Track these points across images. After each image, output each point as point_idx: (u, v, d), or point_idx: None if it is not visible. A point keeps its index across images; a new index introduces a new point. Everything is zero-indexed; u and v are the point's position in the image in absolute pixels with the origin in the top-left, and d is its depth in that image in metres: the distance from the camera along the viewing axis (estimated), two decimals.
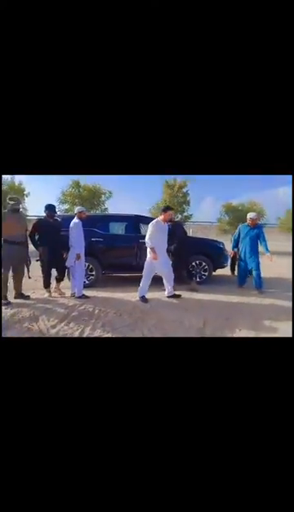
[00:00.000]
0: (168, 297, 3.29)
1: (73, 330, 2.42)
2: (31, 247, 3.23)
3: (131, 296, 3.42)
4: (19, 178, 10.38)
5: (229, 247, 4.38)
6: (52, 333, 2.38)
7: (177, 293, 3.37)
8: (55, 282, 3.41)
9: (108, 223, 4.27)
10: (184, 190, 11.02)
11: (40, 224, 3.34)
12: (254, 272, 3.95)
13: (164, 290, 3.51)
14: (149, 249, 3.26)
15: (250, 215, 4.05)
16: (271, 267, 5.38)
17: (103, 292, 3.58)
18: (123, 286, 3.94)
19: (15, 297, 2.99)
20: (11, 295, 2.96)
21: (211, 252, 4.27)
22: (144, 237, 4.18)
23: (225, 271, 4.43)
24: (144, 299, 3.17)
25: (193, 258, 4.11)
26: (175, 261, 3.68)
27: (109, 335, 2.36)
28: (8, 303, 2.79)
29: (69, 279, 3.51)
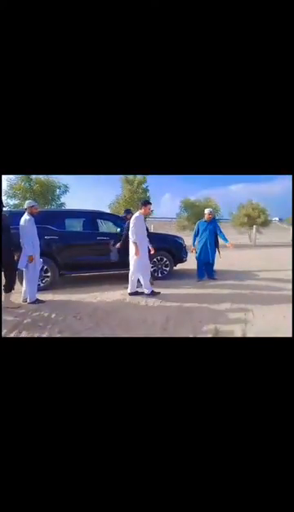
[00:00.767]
0: (147, 295, 3.23)
1: None
2: None
3: (93, 296, 3.27)
4: None
5: (188, 242, 4.55)
6: None
7: (156, 290, 3.32)
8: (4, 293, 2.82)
9: (64, 220, 3.98)
10: (144, 186, 11.03)
11: None
12: (210, 263, 4.22)
13: (125, 288, 3.46)
14: (131, 244, 3.20)
15: (206, 210, 4.28)
16: (223, 259, 5.82)
17: (61, 294, 3.34)
18: (84, 287, 3.74)
19: None
20: None
21: (172, 247, 4.37)
22: (102, 234, 4.07)
23: (184, 265, 4.61)
24: (137, 293, 3.25)
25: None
26: None
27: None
28: None
29: (21, 283, 3.16)
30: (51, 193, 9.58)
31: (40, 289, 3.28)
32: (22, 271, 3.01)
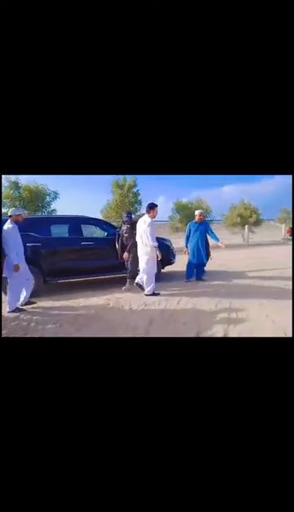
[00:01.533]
0: (147, 295, 3.37)
1: None
2: None
3: (76, 302, 3.23)
4: None
5: (181, 244, 4.58)
6: None
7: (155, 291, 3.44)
8: None
9: (49, 226, 3.95)
10: (135, 190, 11.06)
11: None
12: (200, 264, 4.22)
13: (110, 293, 3.44)
14: (152, 249, 3.40)
15: (197, 212, 4.31)
16: (215, 259, 5.83)
17: (44, 302, 3.29)
18: (69, 293, 3.70)
19: None
20: None
21: (164, 251, 4.35)
22: (86, 239, 4.04)
23: (174, 267, 4.59)
24: (154, 294, 3.41)
25: None
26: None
27: None
28: None
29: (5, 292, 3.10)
30: (41, 200, 9.55)
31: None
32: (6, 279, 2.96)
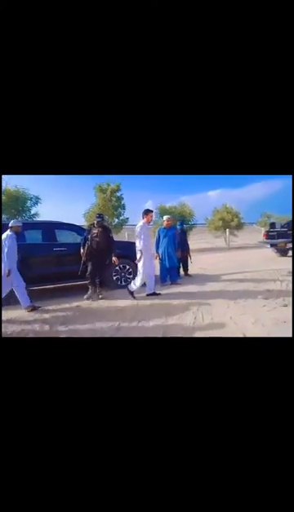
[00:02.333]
0: (148, 295, 3.52)
1: None
2: None
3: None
4: None
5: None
6: None
7: (156, 291, 3.60)
8: None
9: (22, 232, 3.88)
10: (118, 194, 11.10)
11: None
12: (172, 268, 4.28)
13: (84, 299, 3.43)
14: (138, 252, 3.52)
15: (164, 217, 4.37)
16: (195, 262, 5.95)
17: (12, 310, 3.22)
18: (42, 299, 3.63)
19: None
20: None
21: (135, 255, 4.38)
22: (59, 245, 4.01)
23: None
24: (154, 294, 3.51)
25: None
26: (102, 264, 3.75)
27: None
28: None
29: None
30: (22, 204, 9.37)
31: None
32: None
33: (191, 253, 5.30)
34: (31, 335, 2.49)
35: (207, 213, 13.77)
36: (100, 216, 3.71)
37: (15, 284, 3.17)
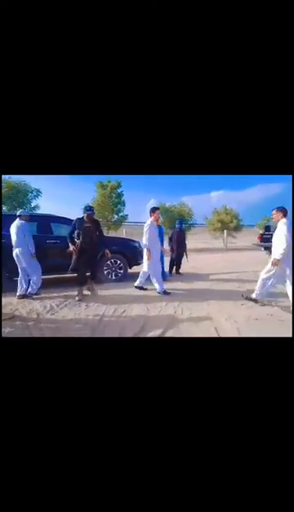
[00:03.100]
0: (159, 293, 3.58)
1: None
2: None
3: (28, 302, 3.36)
4: None
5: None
6: None
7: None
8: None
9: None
10: (119, 190, 11.23)
11: None
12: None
13: (74, 292, 3.59)
14: (145, 250, 3.62)
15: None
16: (191, 262, 6.08)
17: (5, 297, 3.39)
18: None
19: None
20: None
21: (126, 250, 4.53)
22: (52, 238, 4.16)
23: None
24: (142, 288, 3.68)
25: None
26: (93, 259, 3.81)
27: None
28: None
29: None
30: (22, 197, 9.52)
31: None
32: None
33: (188, 253, 5.41)
34: (18, 321, 2.66)
35: (208, 213, 13.86)
36: (91, 209, 3.40)
37: (31, 270, 3.43)
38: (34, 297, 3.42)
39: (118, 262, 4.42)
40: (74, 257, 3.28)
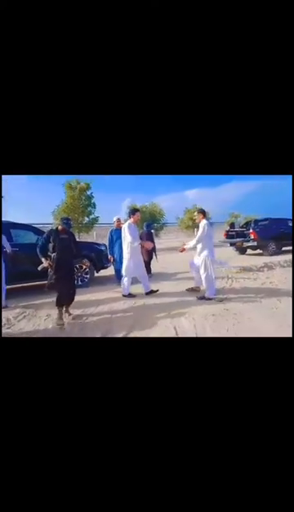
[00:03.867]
0: (147, 293, 3.57)
1: None
2: None
3: None
4: None
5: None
6: None
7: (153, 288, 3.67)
8: None
9: None
10: (89, 192, 11.00)
11: None
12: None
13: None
14: (125, 249, 3.52)
15: (114, 218, 4.32)
16: (159, 261, 6.17)
17: None
18: None
19: None
20: None
21: (92, 254, 4.48)
22: (12, 245, 3.97)
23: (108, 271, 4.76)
24: (130, 295, 3.49)
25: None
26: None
27: None
28: None
29: None
30: None
31: None
32: None
33: (157, 253, 5.45)
34: None
35: (180, 212, 14.19)
36: (67, 220, 3.00)
37: None
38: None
39: (84, 267, 4.35)
40: (51, 273, 2.79)
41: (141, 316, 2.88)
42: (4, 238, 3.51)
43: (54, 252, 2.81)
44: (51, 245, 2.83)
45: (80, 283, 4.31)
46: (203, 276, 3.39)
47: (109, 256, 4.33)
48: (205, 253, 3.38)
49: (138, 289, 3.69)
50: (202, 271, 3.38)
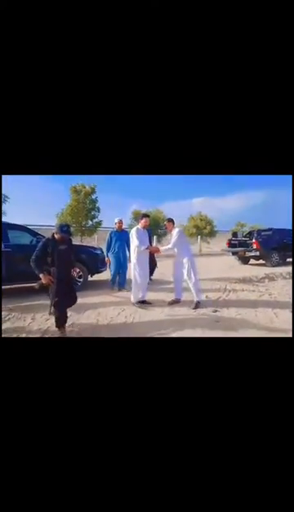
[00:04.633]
0: (138, 302, 3.39)
1: None
2: None
3: None
4: None
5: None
6: None
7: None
8: None
9: None
10: (93, 196, 11.10)
11: None
12: (121, 273, 4.26)
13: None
14: (133, 255, 3.39)
15: (116, 220, 4.22)
16: (159, 268, 6.05)
17: None
18: None
19: None
20: None
21: (85, 258, 4.40)
22: (8, 246, 3.95)
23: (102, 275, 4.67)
24: (145, 303, 3.34)
25: None
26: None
27: None
28: None
29: None
30: None
31: None
32: None
33: (157, 260, 5.32)
34: None
35: (184, 219, 14.12)
36: (67, 228, 2.50)
37: None
38: None
39: (78, 270, 4.27)
40: (53, 290, 2.37)
41: (132, 327, 2.76)
42: None
43: (53, 266, 2.36)
44: (49, 259, 2.36)
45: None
46: (191, 283, 3.29)
47: (106, 258, 4.25)
48: (185, 260, 3.31)
49: (130, 294, 3.58)
50: (187, 277, 3.30)
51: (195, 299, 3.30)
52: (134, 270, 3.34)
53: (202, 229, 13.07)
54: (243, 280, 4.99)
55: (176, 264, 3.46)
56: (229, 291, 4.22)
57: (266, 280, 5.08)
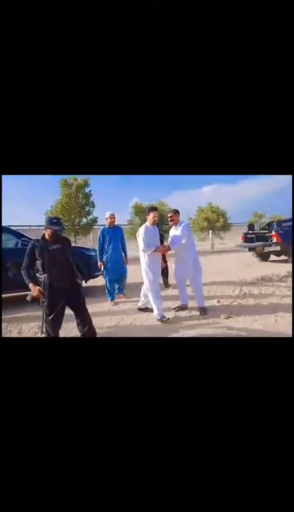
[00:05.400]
0: (140, 309, 3.39)
1: None
2: None
3: None
4: None
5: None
6: None
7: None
8: None
9: None
10: (87, 190, 11.13)
11: None
12: (119, 280, 4.01)
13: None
14: (142, 255, 3.14)
15: (107, 214, 3.90)
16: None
17: None
18: None
19: None
20: None
21: (78, 261, 4.38)
22: None
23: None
24: (165, 318, 3.01)
25: None
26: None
27: None
28: None
29: None
30: None
31: None
32: None
33: (167, 259, 5.17)
34: None
35: (192, 212, 14.00)
36: (57, 222, 2.27)
37: None
38: None
39: None
40: (45, 303, 2.12)
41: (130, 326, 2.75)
42: None
43: (44, 272, 2.12)
44: (39, 263, 2.15)
45: None
46: (193, 286, 3.27)
47: (99, 262, 3.93)
48: (190, 258, 3.28)
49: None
50: (190, 279, 3.29)
51: (199, 305, 3.26)
52: (146, 276, 3.07)
53: (214, 222, 12.96)
54: (262, 280, 4.91)
55: (178, 263, 3.38)
56: (245, 293, 4.16)
57: (289, 280, 4.98)
